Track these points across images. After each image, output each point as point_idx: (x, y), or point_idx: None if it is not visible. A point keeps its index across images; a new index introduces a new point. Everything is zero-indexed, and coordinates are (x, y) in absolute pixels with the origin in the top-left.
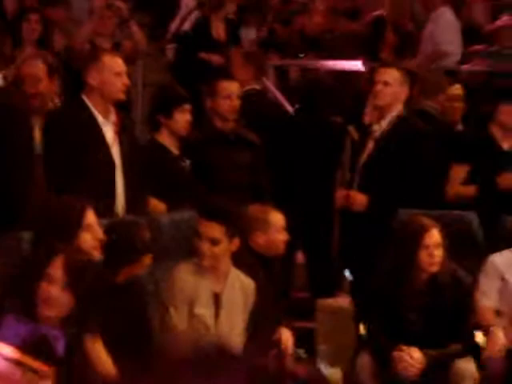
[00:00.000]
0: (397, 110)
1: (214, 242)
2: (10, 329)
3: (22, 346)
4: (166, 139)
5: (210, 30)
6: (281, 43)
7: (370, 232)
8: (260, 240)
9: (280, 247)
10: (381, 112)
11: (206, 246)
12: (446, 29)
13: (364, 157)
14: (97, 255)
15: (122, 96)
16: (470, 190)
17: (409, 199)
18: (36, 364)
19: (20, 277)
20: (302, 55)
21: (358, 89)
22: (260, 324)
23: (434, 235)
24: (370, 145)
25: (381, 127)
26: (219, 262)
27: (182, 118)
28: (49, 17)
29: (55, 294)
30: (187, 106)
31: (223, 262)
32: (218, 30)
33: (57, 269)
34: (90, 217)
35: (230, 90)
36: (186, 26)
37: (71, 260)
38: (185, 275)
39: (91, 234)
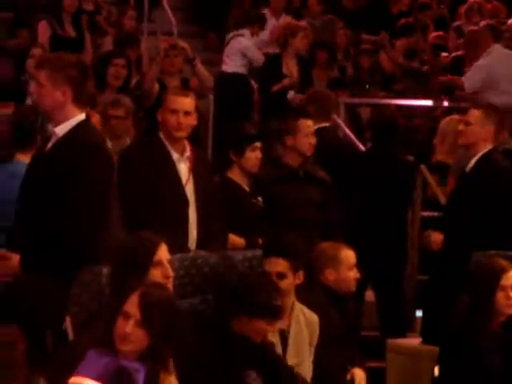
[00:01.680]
0: (484, 148)
1: (280, 276)
2: (94, 363)
3: (106, 379)
4: (237, 176)
5: (281, 67)
6: (352, 81)
7: (446, 272)
8: (331, 277)
9: (351, 285)
10: (469, 151)
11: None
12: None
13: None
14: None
15: (176, 134)
16: None
17: (489, 240)
18: None
19: (98, 313)
20: (368, 87)
21: (429, 127)
22: (330, 363)
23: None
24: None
25: (467, 167)
26: (285, 297)
27: (253, 156)
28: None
29: (129, 330)
30: (258, 144)
31: (289, 297)
32: (290, 66)
33: (132, 306)
34: (162, 253)
35: (310, 128)
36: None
37: (147, 297)
38: None
39: (161, 270)
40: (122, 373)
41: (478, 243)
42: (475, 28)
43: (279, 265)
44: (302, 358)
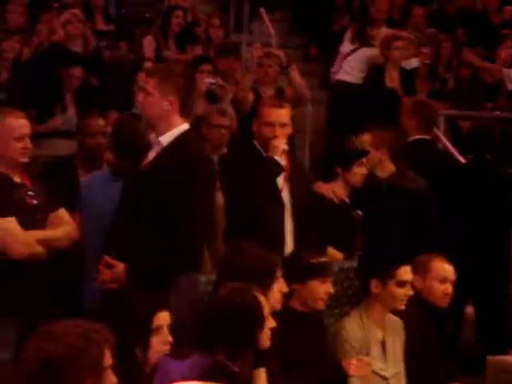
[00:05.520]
0: None
1: (402, 285)
2: (174, 367)
3: (203, 377)
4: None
5: (383, 78)
6: (452, 93)
7: None
8: (417, 284)
9: (439, 297)
10: None
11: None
12: None
13: None
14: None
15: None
16: None
17: None
18: None
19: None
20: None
21: None
22: (425, 376)
23: None
24: None
25: None
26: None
27: (359, 171)
28: (221, 67)
29: None
30: (364, 160)
31: None
32: (392, 78)
33: None
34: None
35: None
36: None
37: None
38: (355, 326)
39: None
40: (217, 366)
41: None
42: None
43: (409, 273)
44: (399, 367)
